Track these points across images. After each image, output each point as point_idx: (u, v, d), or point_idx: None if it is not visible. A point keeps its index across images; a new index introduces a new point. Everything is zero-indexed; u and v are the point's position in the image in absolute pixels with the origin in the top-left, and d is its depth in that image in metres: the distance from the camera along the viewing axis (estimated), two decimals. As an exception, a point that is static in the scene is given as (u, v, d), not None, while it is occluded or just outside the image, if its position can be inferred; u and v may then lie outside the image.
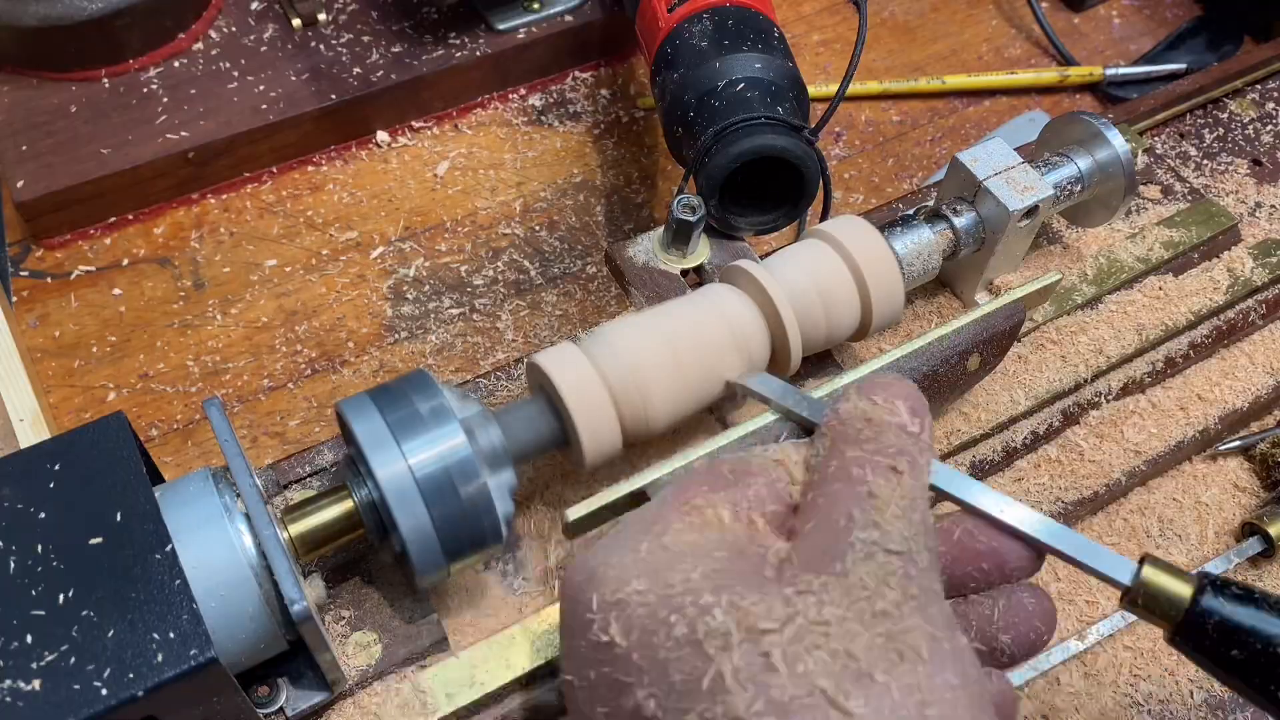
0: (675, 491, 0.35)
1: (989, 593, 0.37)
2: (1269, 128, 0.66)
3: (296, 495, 0.45)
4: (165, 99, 0.70)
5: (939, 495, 0.37)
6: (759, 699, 0.29)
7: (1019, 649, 0.37)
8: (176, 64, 0.72)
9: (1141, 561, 0.36)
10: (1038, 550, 0.37)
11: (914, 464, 0.35)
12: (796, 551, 0.33)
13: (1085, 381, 0.54)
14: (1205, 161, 0.64)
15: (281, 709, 0.40)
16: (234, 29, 0.74)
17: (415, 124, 0.75)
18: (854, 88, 0.78)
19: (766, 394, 0.41)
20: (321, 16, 0.74)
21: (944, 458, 0.51)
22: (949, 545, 0.37)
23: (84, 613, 0.33)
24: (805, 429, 0.40)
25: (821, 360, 0.50)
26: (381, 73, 0.72)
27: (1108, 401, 0.55)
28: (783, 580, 0.32)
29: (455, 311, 0.66)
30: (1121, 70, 0.80)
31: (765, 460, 0.37)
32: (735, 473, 0.36)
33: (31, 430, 0.53)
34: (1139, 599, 0.35)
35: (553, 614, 0.43)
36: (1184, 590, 0.35)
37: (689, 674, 0.30)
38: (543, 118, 0.76)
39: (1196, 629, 0.35)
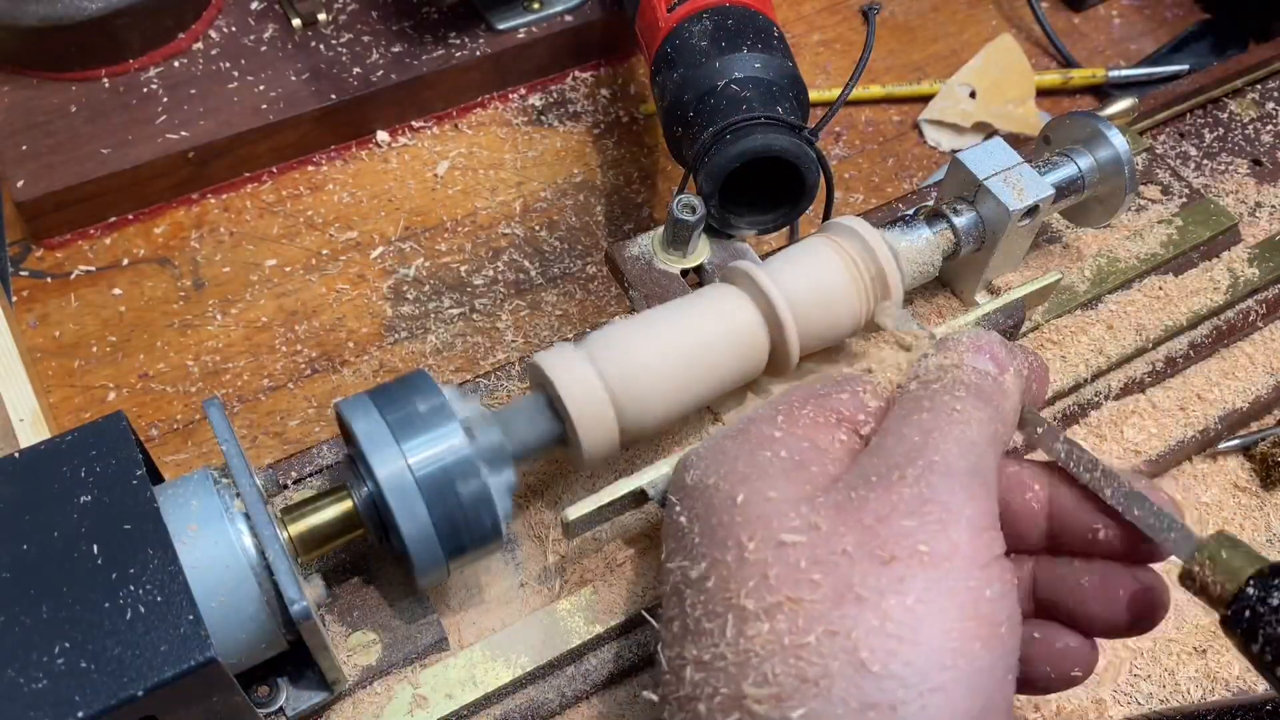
0: (778, 395, 0.39)
1: (1088, 564, 0.37)
2: (1269, 128, 0.66)
3: (296, 495, 0.45)
4: (165, 99, 0.70)
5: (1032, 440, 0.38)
6: (761, 592, 0.32)
7: (1107, 625, 0.37)
8: (176, 64, 0.72)
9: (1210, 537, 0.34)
10: (1118, 516, 0.36)
11: (981, 403, 0.36)
12: (845, 474, 0.35)
13: (1085, 381, 0.54)
14: (1205, 161, 0.64)
15: (281, 709, 0.40)
16: (234, 29, 0.74)
17: (415, 124, 0.75)
18: (855, 92, 0.78)
19: (900, 330, 0.43)
20: (321, 16, 0.74)
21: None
22: (1041, 490, 0.38)
23: (83, 612, 0.33)
24: None
25: (821, 358, 0.50)
26: (381, 73, 0.72)
27: (1108, 401, 0.55)
28: (820, 498, 0.34)
29: (455, 311, 0.66)
30: (1124, 72, 0.80)
31: (854, 373, 0.40)
32: (830, 384, 0.39)
33: (31, 430, 0.53)
34: (1195, 574, 0.33)
35: (553, 613, 0.44)
36: (1246, 568, 0.32)
37: (715, 555, 0.33)
38: (543, 118, 0.76)
39: (1244, 610, 0.32)
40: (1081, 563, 0.37)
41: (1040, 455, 0.40)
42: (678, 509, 0.37)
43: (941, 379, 0.37)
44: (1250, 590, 0.32)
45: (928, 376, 0.37)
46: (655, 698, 0.34)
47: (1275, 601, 0.31)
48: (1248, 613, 0.32)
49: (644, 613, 0.44)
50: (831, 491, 0.34)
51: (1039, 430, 0.38)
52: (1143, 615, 0.36)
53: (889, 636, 0.30)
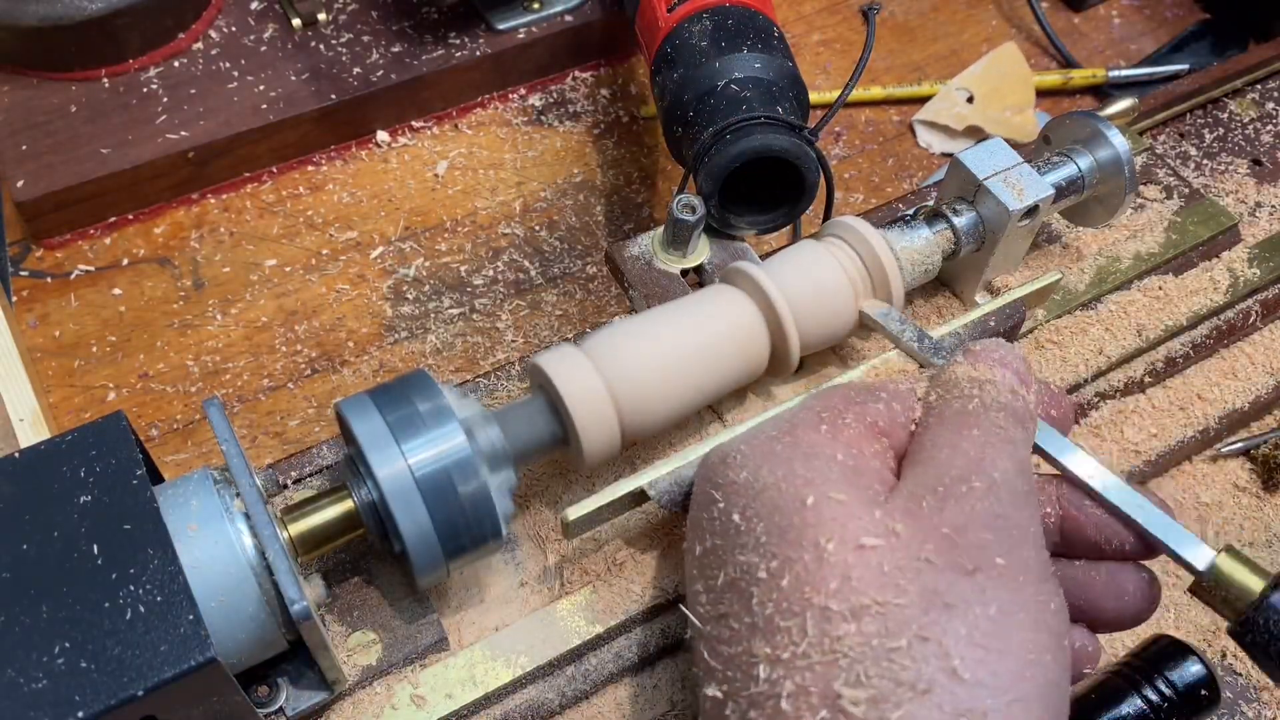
0: (813, 399, 0.39)
1: (1095, 564, 0.39)
2: (1269, 128, 0.66)
3: (296, 495, 0.45)
4: (165, 99, 0.70)
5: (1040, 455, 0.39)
6: (845, 594, 0.32)
7: (1115, 618, 0.38)
8: (176, 64, 0.72)
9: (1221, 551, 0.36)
10: (1131, 527, 0.38)
11: (1018, 424, 0.37)
12: (903, 483, 0.35)
13: (1085, 381, 0.54)
14: (1205, 161, 0.64)
15: (281, 709, 0.40)
16: (234, 29, 0.74)
17: (415, 124, 0.75)
18: (855, 93, 0.78)
19: (889, 328, 0.44)
20: (321, 16, 0.74)
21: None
22: (1052, 505, 0.39)
23: (83, 612, 0.33)
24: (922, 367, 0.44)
25: (823, 358, 0.50)
26: (381, 73, 0.72)
27: (1107, 401, 0.55)
28: (886, 504, 0.34)
29: (455, 311, 0.66)
30: (1124, 72, 0.80)
31: (888, 386, 0.40)
32: (862, 392, 0.39)
33: (31, 430, 0.53)
34: (1208, 586, 0.36)
35: (553, 613, 0.44)
36: (1255, 584, 0.35)
37: (788, 554, 0.33)
38: (543, 118, 0.76)
39: (1258, 625, 0.35)
40: (1089, 563, 0.38)
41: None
42: (722, 505, 0.36)
43: (977, 396, 0.37)
44: (1264, 602, 0.35)
45: (960, 391, 0.38)
46: (719, 694, 0.34)
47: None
48: (1256, 625, 0.35)
49: (681, 607, 0.44)
50: (896, 499, 0.34)
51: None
52: (1144, 608, 0.38)
53: (977, 646, 0.31)
